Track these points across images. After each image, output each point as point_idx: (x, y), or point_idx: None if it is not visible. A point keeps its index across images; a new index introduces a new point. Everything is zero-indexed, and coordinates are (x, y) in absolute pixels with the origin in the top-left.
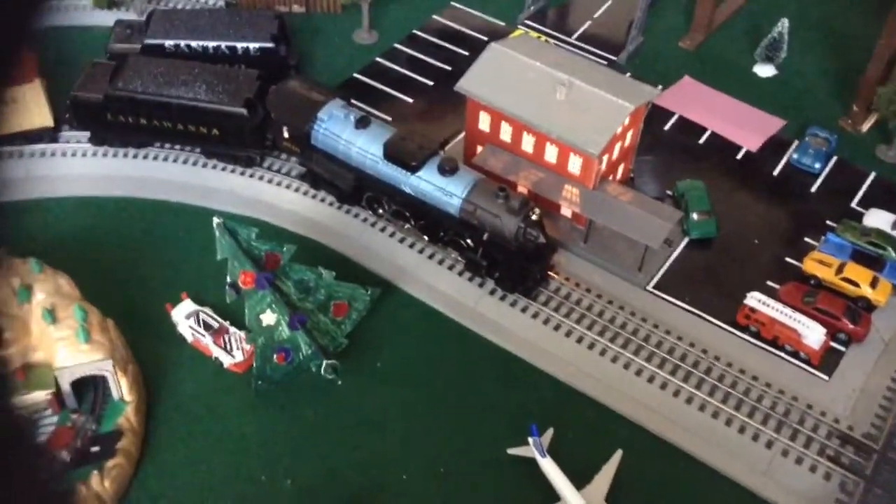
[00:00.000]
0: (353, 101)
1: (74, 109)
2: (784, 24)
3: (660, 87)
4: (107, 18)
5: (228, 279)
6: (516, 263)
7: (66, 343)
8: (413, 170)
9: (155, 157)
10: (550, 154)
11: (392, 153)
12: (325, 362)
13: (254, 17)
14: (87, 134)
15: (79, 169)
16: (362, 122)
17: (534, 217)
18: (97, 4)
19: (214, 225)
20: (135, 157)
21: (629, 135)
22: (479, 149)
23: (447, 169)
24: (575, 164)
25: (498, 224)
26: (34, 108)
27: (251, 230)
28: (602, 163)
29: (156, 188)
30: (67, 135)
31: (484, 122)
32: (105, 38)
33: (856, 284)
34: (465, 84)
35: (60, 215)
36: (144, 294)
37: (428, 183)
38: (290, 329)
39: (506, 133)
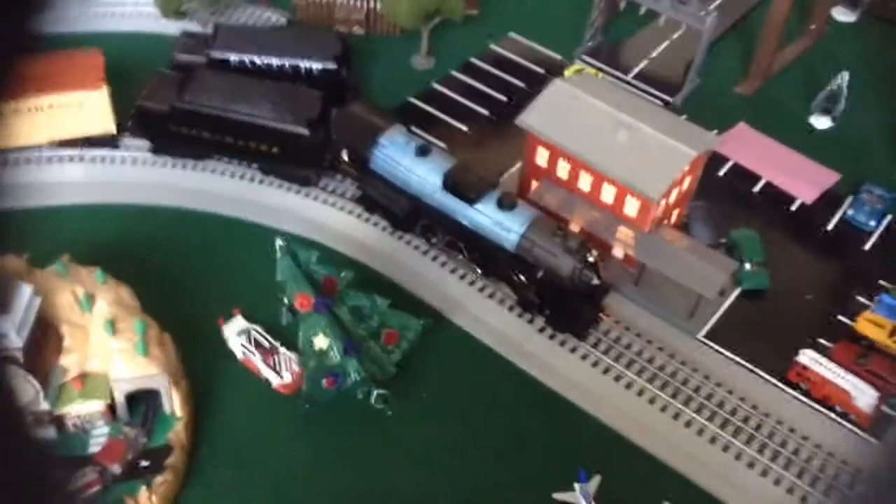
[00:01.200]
0: (412, 129)
1: (139, 119)
2: (844, 78)
3: (716, 131)
4: (172, 27)
5: (286, 301)
6: (569, 303)
7: (123, 354)
8: (472, 202)
9: (213, 171)
10: (607, 194)
11: (451, 184)
12: (375, 392)
13: (318, 37)
14: (148, 143)
15: (137, 177)
16: (423, 151)
17: (591, 259)
18: (165, 14)
19: (277, 246)
20: (193, 168)
21: (687, 180)
22: (535, 184)
23: (506, 204)
24: (632, 207)
25: (554, 262)
26: (98, 115)
27: (312, 253)
28: (659, 207)
29: (212, 201)
30: (128, 142)
31: (542, 158)
32: (170, 48)
33: None
34: (527, 118)
35: (118, 221)
36: (196, 306)
37: (485, 216)
38: (342, 355)
39: (563, 170)
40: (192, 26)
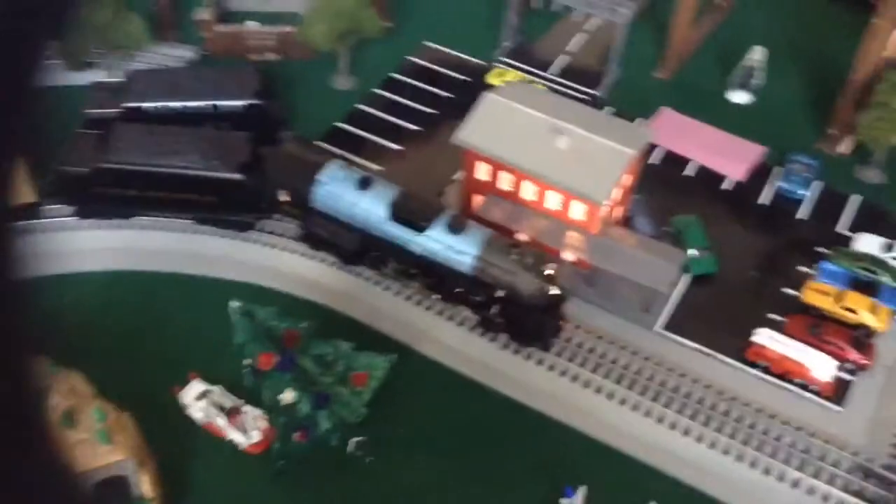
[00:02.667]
0: (346, 157)
1: (59, 184)
2: (757, 52)
3: (639, 119)
4: (80, 77)
5: (247, 362)
6: (532, 318)
7: (84, 446)
8: (421, 229)
9: (143, 227)
10: (553, 201)
11: (399, 213)
12: (352, 440)
13: (236, 73)
14: (72, 207)
15: (63, 243)
16: (364, 183)
17: (548, 271)
18: (71, 66)
19: (230, 310)
20: (121, 227)
21: (628, 178)
22: (476, 198)
23: (456, 226)
24: (578, 211)
25: (513, 280)
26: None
27: (269, 309)
28: (605, 208)
29: (146, 259)
30: (49, 209)
31: (482, 172)
32: (81, 100)
33: (856, 312)
34: (463, 135)
35: (47, 294)
36: (148, 376)
37: (437, 242)
38: (313, 408)
39: (505, 182)
40: (100, 75)
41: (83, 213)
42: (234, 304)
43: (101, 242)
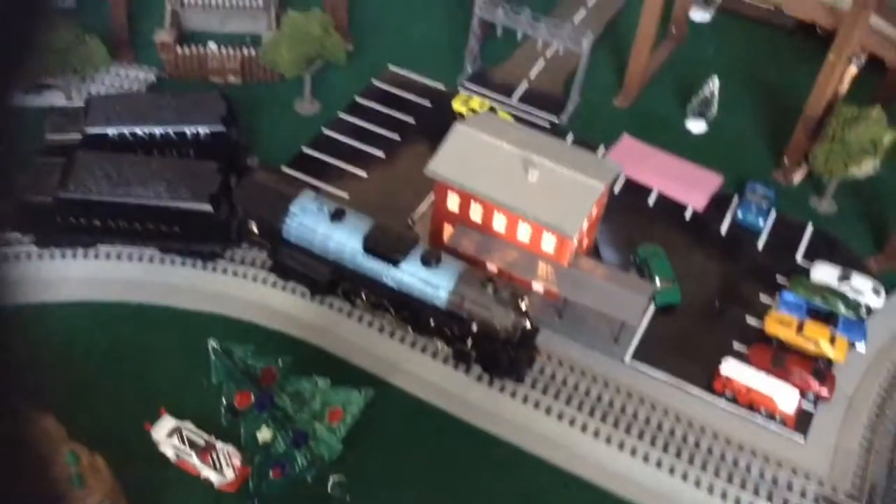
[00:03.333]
0: (314, 183)
1: (19, 214)
2: (714, 83)
3: (601, 147)
4: (35, 100)
5: (224, 401)
6: (506, 351)
7: None
8: (395, 262)
9: (107, 256)
10: (523, 233)
11: (373, 247)
12: (331, 480)
13: (199, 99)
14: (30, 236)
15: (22, 273)
16: (338, 215)
17: (523, 307)
18: (25, 90)
19: (210, 349)
20: (84, 257)
21: (595, 210)
22: (447, 228)
23: (431, 260)
24: (549, 243)
25: (488, 315)
26: None
27: (247, 347)
28: (575, 241)
29: (111, 289)
30: (8, 237)
31: (453, 203)
32: (36, 121)
33: (816, 343)
34: (434, 167)
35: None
36: (116, 412)
37: (411, 275)
38: (291, 447)
39: (476, 213)
40: (58, 98)
41: (44, 242)
42: (212, 343)
43: (61, 272)
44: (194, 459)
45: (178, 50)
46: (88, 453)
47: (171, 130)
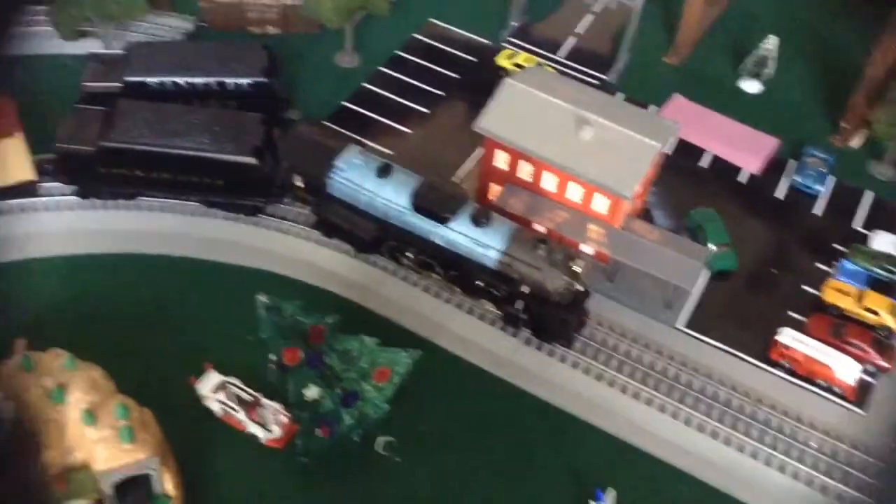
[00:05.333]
0: (359, 139)
1: (61, 163)
2: (771, 42)
3: (652, 106)
4: (75, 46)
5: (272, 356)
6: (557, 315)
7: (107, 444)
8: (445, 221)
9: (148, 208)
10: (574, 193)
11: (422, 204)
12: (380, 439)
13: (241, 49)
14: (71, 186)
15: (65, 224)
16: (384, 171)
17: (576, 269)
18: (64, 36)
19: (258, 303)
20: (125, 208)
21: (649, 171)
22: (494, 188)
23: (481, 219)
24: (601, 204)
25: (539, 277)
26: (15, 163)
27: (295, 304)
28: (629, 202)
29: (153, 242)
30: (48, 186)
31: (501, 161)
32: (75, 67)
33: (877, 314)
34: (483, 122)
35: (50, 278)
36: (161, 366)
37: (461, 234)
38: (340, 406)
39: (524, 172)
40: (94, 45)
41: (85, 192)
42: (262, 298)
43: (104, 224)
44: (241, 415)
45: None
46: (137, 407)
47: (212, 80)
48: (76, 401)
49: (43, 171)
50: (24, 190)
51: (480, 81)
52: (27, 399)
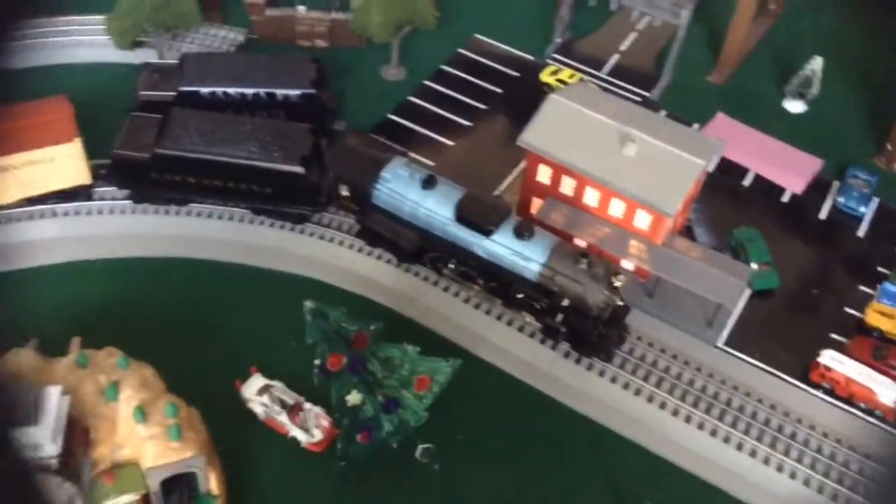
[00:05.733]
0: (404, 150)
1: (116, 168)
2: (817, 62)
3: (696, 125)
4: (129, 55)
5: (317, 362)
6: (596, 329)
7: (156, 441)
8: (488, 233)
9: (198, 214)
10: (616, 209)
11: (465, 216)
12: (420, 446)
13: (292, 61)
14: (123, 191)
15: (117, 228)
16: (429, 182)
17: (617, 283)
18: (120, 46)
19: (305, 309)
20: (176, 213)
21: (692, 188)
22: (536, 201)
23: (524, 232)
24: (643, 220)
25: (580, 291)
26: (72, 167)
27: (341, 310)
28: (672, 219)
29: (201, 247)
30: (102, 191)
31: (544, 175)
32: (130, 78)
33: None
34: (528, 137)
35: (103, 279)
36: (206, 367)
37: (503, 247)
38: (383, 413)
39: (567, 186)
40: (149, 55)
41: (139, 198)
42: (308, 304)
43: (154, 228)
44: (283, 418)
45: (268, 11)
46: (185, 406)
47: (262, 91)
48: (128, 398)
49: (97, 175)
50: (80, 193)
51: (522, 96)
52: (81, 395)
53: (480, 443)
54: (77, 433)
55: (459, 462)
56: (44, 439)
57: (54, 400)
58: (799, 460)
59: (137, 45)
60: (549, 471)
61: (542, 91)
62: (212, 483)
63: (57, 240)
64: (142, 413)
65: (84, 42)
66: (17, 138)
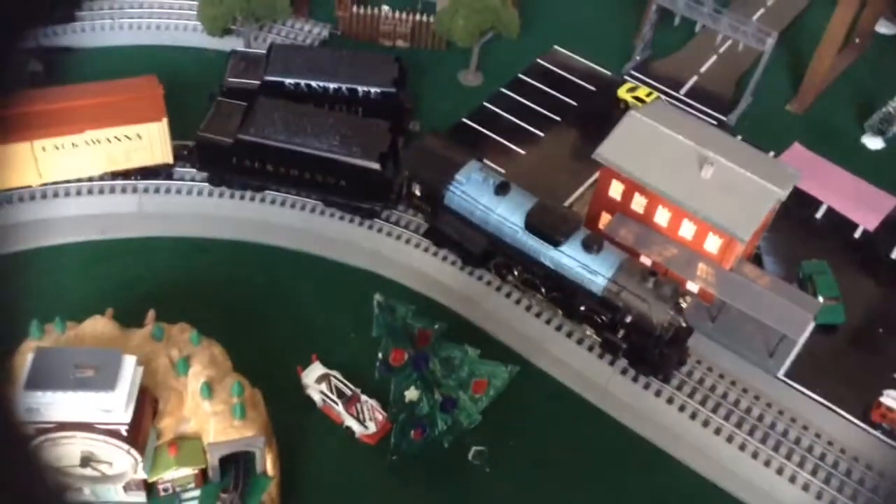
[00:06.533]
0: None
1: (200, 150)
2: None
3: (772, 153)
4: (216, 41)
5: (380, 356)
6: (658, 348)
7: (220, 418)
8: (557, 244)
9: (272, 202)
10: (686, 230)
11: (535, 225)
12: (473, 448)
13: (374, 59)
14: (203, 172)
15: (194, 208)
16: (502, 189)
17: (683, 304)
18: (211, 32)
19: (375, 302)
20: (251, 199)
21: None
22: (605, 216)
23: (592, 246)
24: (713, 244)
25: (645, 309)
26: (157, 145)
27: (409, 307)
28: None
29: (272, 233)
30: (181, 171)
31: (616, 191)
32: (216, 63)
33: None
34: (604, 151)
35: (175, 256)
36: (269, 350)
37: (571, 258)
38: (439, 411)
39: (638, 204)
40: (237, 42)
41: (217, 181)
42: (378, 297)
43: (229, 211)
44: (340, 408)
45: (354, 9)
46: (249, 387)
47: (344, 86)
48: (196, 374)
49: (178, 156)
50: (161, 172)
51: (597, 110)
52: (153, 367)
53: (530, 451)
54: (147, 403)
55: (508, 467)
56: (117, 405)
57: (130, 368)
58: (853, 499)
59: (226, 32)
60: (597, 485)
61: (618, 107)
62: (268, 464)
63: (135, 215)
64: (209, 389)
65: (173, 25)
66: (109, 113)
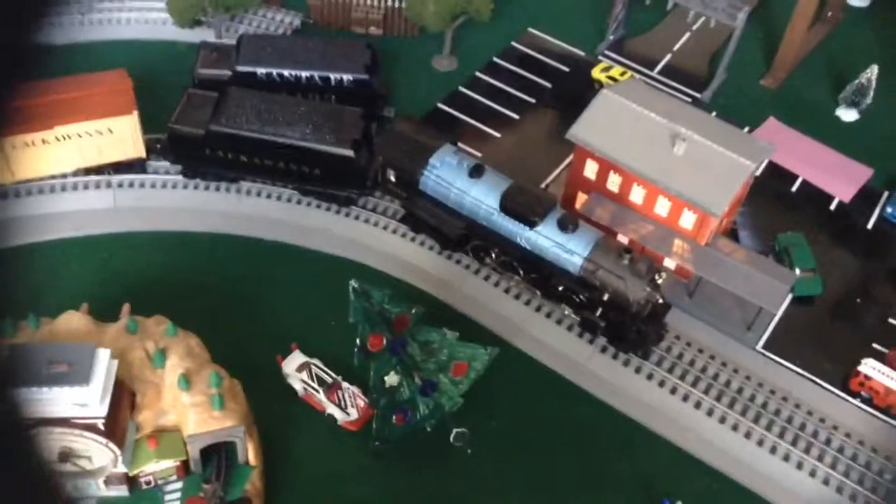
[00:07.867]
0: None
1: (171, 142)
2: (874, 71)
3: (747, 128)
4: (187, 34)
5: (358, 342)
6: (635, 325)
7: (199, 409)
8: (532, 225)
9: (248, 192)
10: (661, 207)
11: (510, 207)
12: (454, 430)
13: (346, 47)
14: (176, 165)
15: (168, 202)
16: (477, 171)
17: (659, 280)
18: (181, 24)
19: (350, 289)
20: (227, 190)
21: (740, 190)
22: (581, 196)
23: (568, 225)
24: (688, 220)
25: (622, 287)
26: (128, 140)
27: (385, 292)
28: (718, 220)
29: (249, 225)
30: (155, 165)
31: (590, 171)
32: (186, 56)
33: None
34: (577, 131)
35: (152, 250)
36: (248, 341)
37: (547, 239)
38: (419, 395)
39: (613, 183)
40: (208, 34)
41: (190, 173)
42: (354, 283)
43: (204, 204)
44: (321, 396)
45: None
46: (228, 377)
47: (316, 75)
48: (173, 366)
49: (151, 149)
50: (134, 166)
51: (572, 91)
52: (129, 360)
53: (513, 431)
54: (124, 396)
55: (491, 448)
56: (92, 400)
57: (104, 362)
58: (833, 466)
59: (196, 23)
60: (580, 463)
61: (593, 87)
62: (249, 453)
63: (110, 210)
64: (186, 381)
65: (142, 18)
66: (78, 108)
